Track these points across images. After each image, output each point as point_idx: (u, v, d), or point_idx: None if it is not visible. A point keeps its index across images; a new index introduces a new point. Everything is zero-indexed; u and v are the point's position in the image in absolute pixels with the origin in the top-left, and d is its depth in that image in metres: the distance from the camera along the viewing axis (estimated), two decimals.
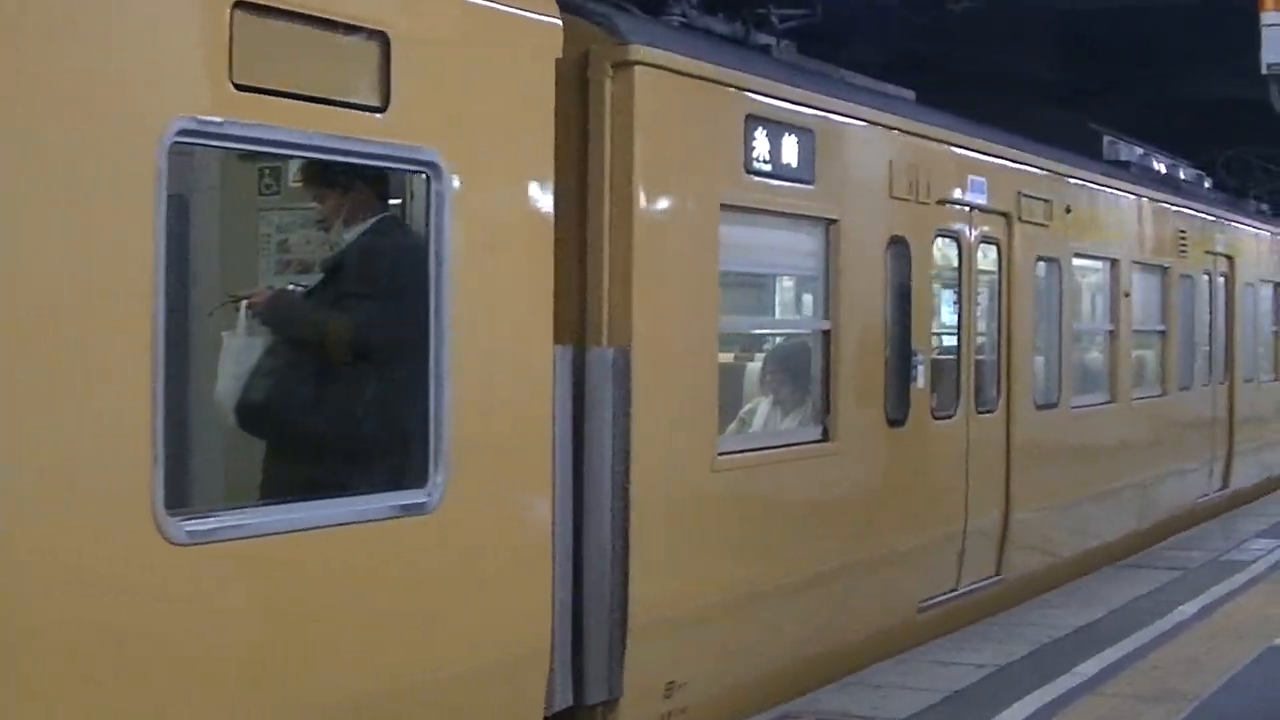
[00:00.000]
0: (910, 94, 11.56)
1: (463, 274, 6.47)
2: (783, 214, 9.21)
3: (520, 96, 6.97)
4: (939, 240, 11.18)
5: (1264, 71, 11.58)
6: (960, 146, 11.38)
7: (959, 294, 11.54)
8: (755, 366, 10.01)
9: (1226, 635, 10.48)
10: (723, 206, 8.44)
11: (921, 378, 10.66)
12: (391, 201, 6.84)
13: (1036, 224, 12.60)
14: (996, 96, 13.81)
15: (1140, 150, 17.00)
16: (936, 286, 11.45)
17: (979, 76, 15.18)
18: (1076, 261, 13.70)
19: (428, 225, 6.43)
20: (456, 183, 6.42)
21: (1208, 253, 17.59)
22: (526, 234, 6.99)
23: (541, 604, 7.14)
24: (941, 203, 11.00)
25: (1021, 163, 12.43)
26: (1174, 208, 16.44)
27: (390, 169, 6.57)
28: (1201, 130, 20.39)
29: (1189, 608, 11.50)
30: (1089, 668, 9.47)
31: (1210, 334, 17.82)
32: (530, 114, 7.01)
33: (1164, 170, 17.45)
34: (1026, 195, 12.37)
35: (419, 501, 6.35)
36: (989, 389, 12.00)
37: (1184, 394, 16.67)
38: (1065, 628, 10.84)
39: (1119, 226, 14.90)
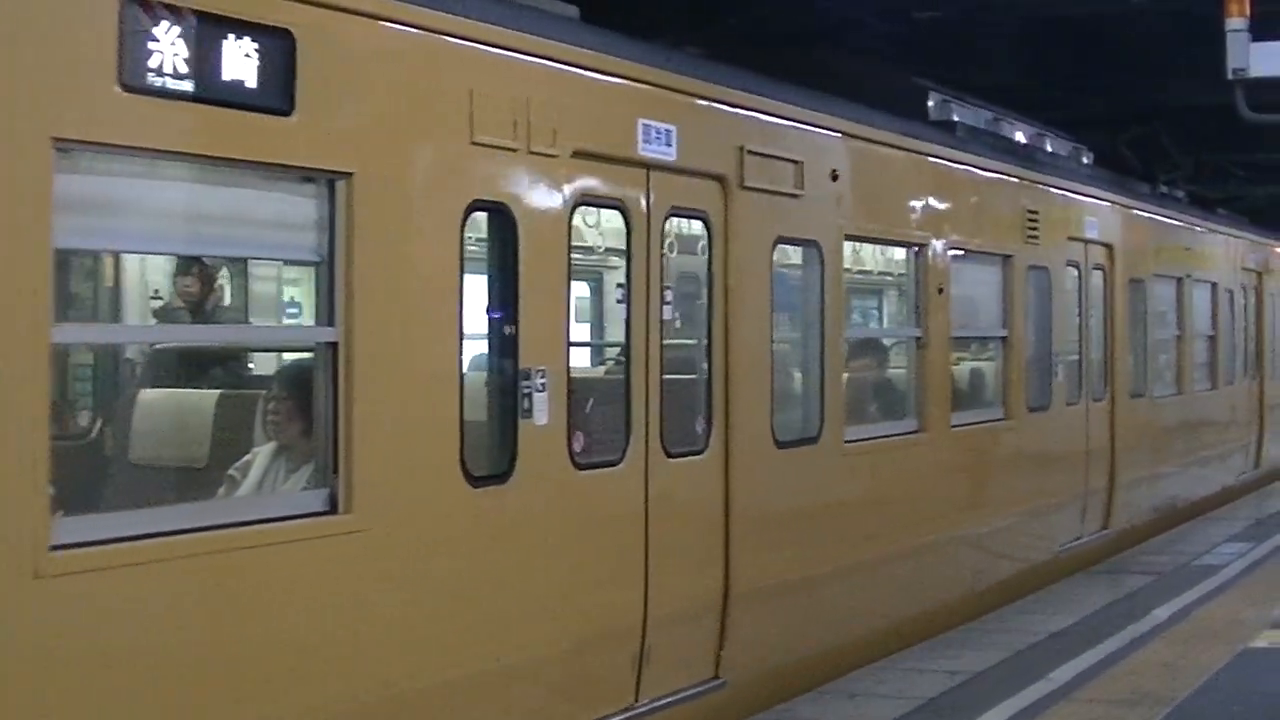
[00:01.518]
0: (573, 10, 8.22)
1: None
2: (224, 160, 5.81)
3: None
4: (586, 210, 7.81)
5: (1229, 77, 11.36)
6: (622, 77, 7.97)
7: (628, 288, 8.10)
8: (249, 398, 6.65)
9: (1200, 639, 10.45)
10: (60, 144, 5.09)
11: (543, 410, 7.26)
12: None
13: (776, 193, 9.19)
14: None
15: (989, 114, 13.70)
16: (601, 276, 8.10)
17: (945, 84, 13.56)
18: (852, 246, 10.31)
19: None
20: None
21: (1073, 239, 14.14)
22: None
23: None
24: (583, 156, 7.59)
25: (744, 107, 8.99)
26: (1019, 181, 13.01)
27: None
28: (1170, 137, 19.64)
29: (1162, 612, 11.48)
30: (1063, 674, 9.45)
31: (1081, 341, 14.38)
32: None
33: (1020, 139, 14.12)
34: (755, 153, 8.95)
35: None
36: (690, 422, 8.58)
37: (1037, 416, 13.18)
38: (1039, 633, 10.87)
39: (928, 202, 11.43)
